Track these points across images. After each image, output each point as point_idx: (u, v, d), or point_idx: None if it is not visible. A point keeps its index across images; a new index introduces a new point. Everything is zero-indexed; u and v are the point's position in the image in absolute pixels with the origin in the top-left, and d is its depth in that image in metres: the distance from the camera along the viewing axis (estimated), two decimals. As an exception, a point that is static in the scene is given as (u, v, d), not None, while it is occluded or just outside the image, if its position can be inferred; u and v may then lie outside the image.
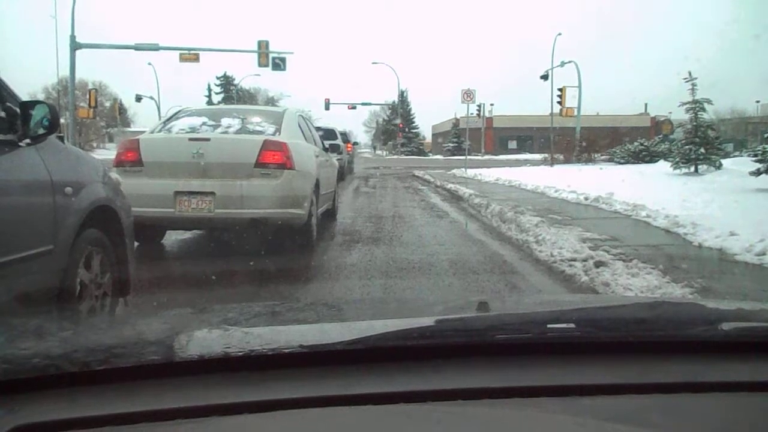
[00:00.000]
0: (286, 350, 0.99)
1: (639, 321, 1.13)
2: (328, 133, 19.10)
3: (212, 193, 6.01)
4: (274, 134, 6.57)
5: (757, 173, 13.12)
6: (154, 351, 0.99)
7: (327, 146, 9.48)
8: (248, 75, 56.16)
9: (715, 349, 1.10)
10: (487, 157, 47.94)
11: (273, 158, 6.18)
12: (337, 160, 12.24)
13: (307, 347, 1.00)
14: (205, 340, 1.08)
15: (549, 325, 1.11)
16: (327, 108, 55.84)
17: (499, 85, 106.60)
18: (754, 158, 13.85)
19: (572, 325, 1.11)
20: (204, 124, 6.71)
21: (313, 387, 0.94)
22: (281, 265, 5.81)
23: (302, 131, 7.54)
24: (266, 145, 6.23)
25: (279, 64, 31.17)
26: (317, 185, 7.11)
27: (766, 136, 13.97)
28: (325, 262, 6.38)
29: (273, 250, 6.39)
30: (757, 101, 59.55)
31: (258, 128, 6.74)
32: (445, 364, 1.01)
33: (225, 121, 6.76)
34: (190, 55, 31.62)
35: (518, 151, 55.99)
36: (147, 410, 0.87)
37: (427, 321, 1.13)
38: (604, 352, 1.07)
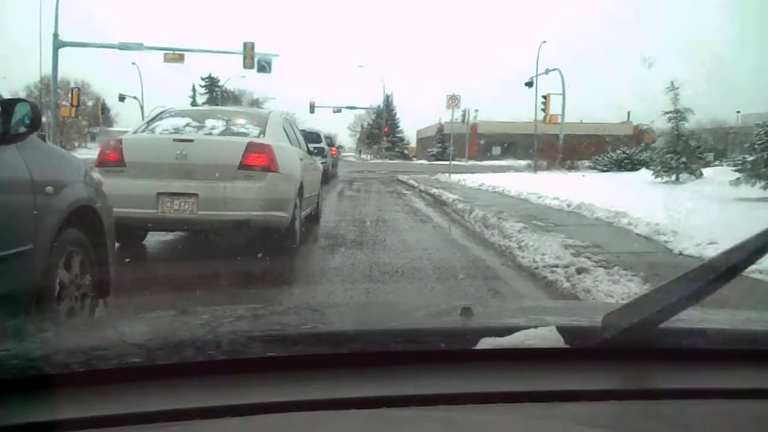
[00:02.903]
0: (269, 354, 0.98)
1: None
2: (313, 137, 19.07)
3: (195, 195, 5.97)
4: (258, 136, 6.54)
5: (737, 183, 13.29)
6: (135, 353, 0.98)
7: (311, 149, 9.47)
8: (233, 76, 55.92)
9: (697, 355, 1.11)
10: (471, 162, 48.10)
11: (257, 160, 6.16)
12: (321, 163, 12.23)
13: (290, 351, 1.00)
14: (188, 342, 1.07)
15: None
16: (312, 111, 55.75)
17: (484, 91, 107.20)
18: (734, 168, 14.05)
19: (554, 330, 1.12)
20: (188, 125, 6.67)
21: (296, 390, 0.93)
22: (264, 268, 5.79)
23: (287, 134, 7.52)
24: (250, 147, 6.20)
25: (264, 67, 31.10)
26: (301, 188, 7.09)
27: (746, 146, 14.15)
28: (308, 265, 6.37)
29: (256, 252, 6.36)
30: (738, 112, 60.41)
31: (242, 130, 6.72)
32: (429, 369, 1.01)
33: (209, 123, 6.73)
34: (175, 56, 31.48)
35: (502, 157, 56.28)
36: (129, 413, 0.87)
37: (410, 325, 1.13)
38: (587, 358, 1.07)
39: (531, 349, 1.08)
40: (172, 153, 6.08)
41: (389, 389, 0.95)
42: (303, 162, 7.64)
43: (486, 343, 1.05)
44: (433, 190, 16.64)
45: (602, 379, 1.02)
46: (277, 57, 32.39)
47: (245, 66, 31.16)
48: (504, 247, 7.41)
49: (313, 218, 9.15)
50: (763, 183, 12.85)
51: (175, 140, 6.24)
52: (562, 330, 1.11)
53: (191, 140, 6.26)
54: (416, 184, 19.91)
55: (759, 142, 13.13)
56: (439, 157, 53.12)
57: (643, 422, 0.89)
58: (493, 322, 1.29)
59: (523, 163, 35.94)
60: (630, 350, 1.10)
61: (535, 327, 1.11)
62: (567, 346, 1.08)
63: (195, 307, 1.56)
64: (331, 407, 0.89)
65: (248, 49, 30.74)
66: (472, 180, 20.84)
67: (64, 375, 0.92)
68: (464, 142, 53.55)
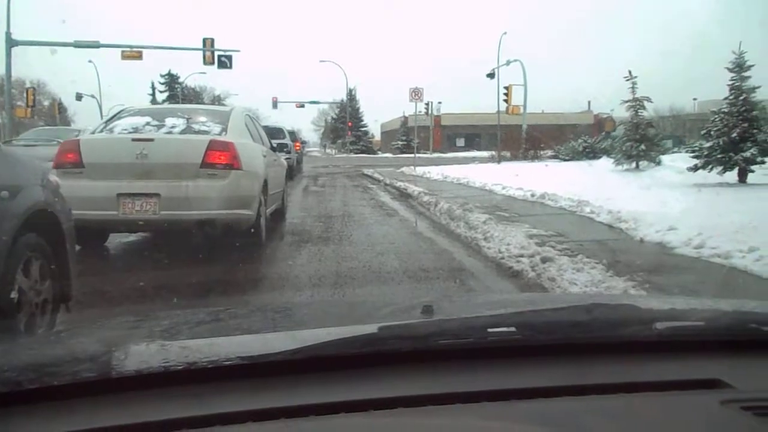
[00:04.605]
0: (226, 363, 0.97)
1: (576, 324, 1.16)
2: (276, 132, 18.93)
3: (157, 195, 5.88)
4: (220, 134, 6.47)
5: (695, 169, 13.59)
6: (88, 368, 0.96)
7: (275, 145, 9.40)
8: (193, 73, 55.22)
9: (649, 348, 1.13)
10: (435, 154, 48.29)
11: (219, 158, 6.10)
12: (286, 159, 12.15)
13: (247, 359, 0.99)
14: (143, 354, 1.06)
15: (489, 330, 1.12)
16: (275, 107, 55.59)
17: (447, 83, 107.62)
18: (691, 154, 14.37)
19: (512, 329, 1.13)
20: (148, 124, 6.56)
21: (253, 399, 0.92)
22: (229, 267, 5.75)
23: (249, 131, 7.45)
24: (212, 145, 6.13)
25: (225, 62, 30.79)
26: (265, 185, 7.04)
27: (702, 132, 14.48)
28: (274, 262, 6.33)
29: (220, 251, 6.30)
30: (695, 99, 61.74)
31: (204, 128, 6.63)
32: (388, 372, 1.02)
33: (169, 121, 6.62)
34: (133, 53, 30.90)
35: (466, 148, 56.57)
36: (83, 429, 0.85)
37: (369, 328, 1.13)
38: (543, 355, 1.09)
39: (490, 348, 1.09)
40: (131, 153, 5.98)
41: (348, 394, 0.95)
42: (266, 158, 7.58)
43: (445, 343, 1.06)
44: (399, 184, 16.65)
45: (558, 376, 1.03)
46: (238, 53, 32.09)
47: (205, 62, 30.82)
48: (470, 238, 7.47)
49: (279, 215, 9.10)
50: (719, 168, 13.16)
51: (134, 140, 6.14)
52: (519, 327, 1.13)
53: (151, 139, 6.16)
54: (381, 178, 19.89)
55: (715, 129, 13.42)
56: (404, 150, 53.10)
57: (595, 418, 0.90)
58: (452, 321, 1.30)
59: (486, 154, 36.16)
60: (585, 346, 1.12)
61: (493, 326, 1.12)
62: (524, 344, 1.10)
63: (157, 312, 1.53)
64: (289, 415, 0.88)
65: (208, 45, 30.40)
66: (436, 172, 20.89)
67: (17, 393, 0.90)
68: (428, 135, 53.77)
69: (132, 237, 7.41)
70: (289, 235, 8.07)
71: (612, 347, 1.13)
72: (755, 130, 13.04)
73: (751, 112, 13.24)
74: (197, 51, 31.01)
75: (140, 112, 7.09)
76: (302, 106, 61.19)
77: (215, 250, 6.35)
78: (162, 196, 5.89)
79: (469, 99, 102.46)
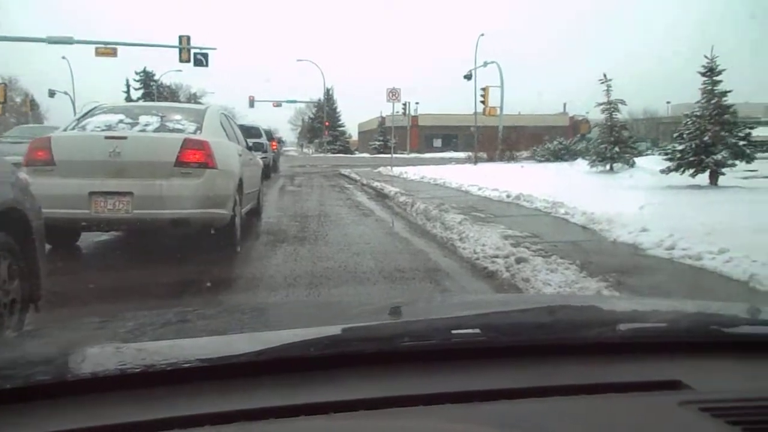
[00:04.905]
0: (185, 365, 0.96)
1: (539, 325, 1.17)
2: (252, 131, 18.83)
3: (130, 193, 5.81)
4: (195, 132, 6.41)
5: (668, 171, 13.77)
6: (43, 370, 0.94)
7: (251, 144, 9.35)
8: (169, 71, 54.73)
9: (611, 350, 1.14)
10: (413, 155, 48.38)
11: (194, 157, 6.04)
12: (262, 158, 12.09)
13: (207, 360, 0.98)
14: (99, 357, 1.04)
15: (453, 331, 1.12)
16: (251, 106, 55.37)
17: (425, 83, 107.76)
18: (664, 156, 14.54)
19: (476, 331, 1.14)
20: (121, 121, 6.49)
21: (214, 402, 0.91)
22: (203, 267, 5.70)
23: (225, 129, 7.40)
24: (186, 144, 6.08)
25: (201, 60, 30.56)
26: (240, 184, 6.99)
27: (675, 135, 14.68)
28: (249, 262, 6.29)
29: (194, 251, 6.25)
30: (668, 102, 62.67)
31: (178, 126, 6.57)
32: (351, 373, 1.01)
33: (143, 119, 6.55)
34: (107, 50, 30.55)
35: (443, 149, 56.75)
36: None
37: (334, 329, 1.12)
38: (507, 357, 1.10)
39: (454, 350, 1.09)
40: (104, 151, 5.89)
41: (310, 396, 0.94)
42: (242, 158, 7.54)
43: (408, 344, 1.06)
44: (375, 184, 16.65)
45: (521, 378, 1.04)
46: (215, 51, 31.90)
47: (181, 60, 30.55)
48: (445, 238, 7.49)
49: (255, 214, 9.05)
50: (691, 171, 13.35)
51: (107, 137, 6.05)
52: (483, 329, 1.13)
53: (125, 137, 6.08)
54: (358, 178, 19.86)
55: (687, 132, 13.59)
56: (381, 150, 53.05)
57: (558, 420, 0.91)
58: (417, 322, 1.30)
59: (463, 154, 36.29)
60: (549, 347, 1.13)
61: (457, 327, 1.12)
62: (488, 346, 1.10)
63: (123, 313, 1.51)
64: (248, 418, 0.87)
65: (184, 43, 30.15)
66: (413, 173, 20.91)
67: None
68: (406, 135, 53.83)
69: (104, 236, 7.31)
70: (265, 235, 8.03)
71: (575, 349, 1.14)
72: (726, 134, 13.24)
73: (723, 115, 13.43)
74: (173, 48, 30.74)
75: (114, 110, 7.00)
76: (279, 105, 61.04)
77: (189, 249, 6.29)
78: (135, 194, 5.82)
79: (447, 100, 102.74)
